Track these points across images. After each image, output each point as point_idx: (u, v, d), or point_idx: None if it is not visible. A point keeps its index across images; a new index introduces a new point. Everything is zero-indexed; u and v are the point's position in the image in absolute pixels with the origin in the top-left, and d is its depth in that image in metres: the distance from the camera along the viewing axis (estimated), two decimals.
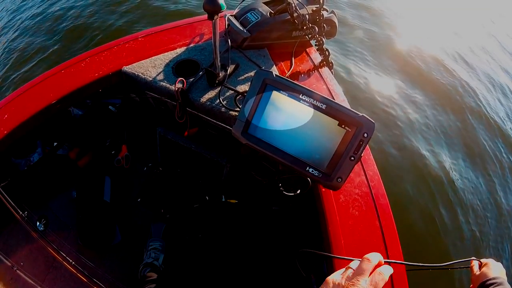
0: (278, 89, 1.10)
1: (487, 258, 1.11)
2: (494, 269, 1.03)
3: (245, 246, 1.79)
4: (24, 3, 5.22)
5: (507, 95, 4.58)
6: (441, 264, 1.16)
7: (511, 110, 4.36)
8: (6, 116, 1.60)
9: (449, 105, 4.06)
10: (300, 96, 1.06)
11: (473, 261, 1.13)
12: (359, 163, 1.52)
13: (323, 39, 1.88)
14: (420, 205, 2.98)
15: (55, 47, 4.22)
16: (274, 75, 1.09)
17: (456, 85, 4.38)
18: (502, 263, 1.10)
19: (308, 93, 1.06)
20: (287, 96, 1.08)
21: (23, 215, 1.45)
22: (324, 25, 1.92)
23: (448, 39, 5.40)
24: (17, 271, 1.47)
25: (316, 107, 1.06)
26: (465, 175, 3.37)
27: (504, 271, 1.05)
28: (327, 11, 2.00)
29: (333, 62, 1.94)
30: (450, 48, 5.14)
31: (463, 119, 3.94)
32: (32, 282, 1.48)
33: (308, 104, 1.06)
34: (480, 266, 1.09)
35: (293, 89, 1.07)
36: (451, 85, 4.35)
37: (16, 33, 4.59)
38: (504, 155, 3.69)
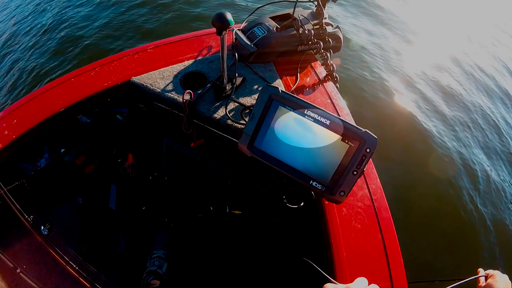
0: (283, 105, 1.13)
1: (493, 270, 1.11)
2: (500, 281, 1.03)
3: (248, 257, 1.80)
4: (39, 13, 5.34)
5: None
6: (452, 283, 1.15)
7: None
8: (15, 121, 1.64)
9: (452, 117, 4.09)
10: (305, 112, 1.10)
11: (480, 272, 1.13)
12: (362, 176, 1.54)
13: (328, 54, 1.92)
14: (424, 217, 2.99)
15: (67, 55, 4.30)
16: (280, 91, 1.13)
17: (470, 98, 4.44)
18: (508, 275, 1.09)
19: (313, 109, 1.09)
20: (292, 111, 1.12)
21: (29, 219, 1.47)
22: (330, 39, 1.96)
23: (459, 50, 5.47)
24: (20, 273, 1.49)
25: (320, 123, 1.09)
26: (471, 184, 3.38)
27: (510, 283, 1.04)
28: (332, 26, 2.04)
29: (338, 77, 1.97)
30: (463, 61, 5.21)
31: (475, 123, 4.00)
32: (35, 285, 1.50)
33: (312, 120, 1.09)
34: (486, 278, 1.09)
35: (298, 105, 1.11)
36: (466, 101, 4.41)
37: (28, 41, 4.69)
38: None
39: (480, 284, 1.08)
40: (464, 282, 1.09)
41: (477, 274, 1.12)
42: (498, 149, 3.89)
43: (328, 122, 1.08)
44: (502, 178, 3.58)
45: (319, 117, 1.09)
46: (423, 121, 3.90)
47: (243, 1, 5.17)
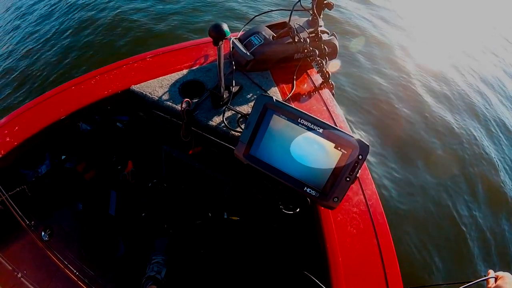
0: (278, 114, 1.17)
1: (503, 272, 1.10)
2: (510, 283, 1.03)
3: (245, 262, 1.82)
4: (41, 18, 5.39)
5: None
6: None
7: None
8: (16, 128, 1.67)
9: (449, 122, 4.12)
10: (299, 120, 1.13)
11: (490, 273, 1.12)
12: (358, 182, 1.56)
13: (323, 61, 1.95)
14: (421, 221, 3.01)
15: (69, 63, 4.35)
16: (275, 100, 1.16)
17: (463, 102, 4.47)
18: None
19: (306, 118, 1.13)
20: (286, 120, 1.15)
21: (30, 224, 1.49)
22: (325, 47, 1.99)
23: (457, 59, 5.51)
24: (21, 278, 1.50)
25: (313, 131, 1.12)
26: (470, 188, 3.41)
27: None
28: (327, 33, 2.08)
29: (334, 84, 2.00)
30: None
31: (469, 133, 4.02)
32: None
33: (306, 128, 1.13)
34: (496, 279, 1.08)
35: (292, 114, 1.14)
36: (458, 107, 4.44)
37: (30, 48, 4.73)
38: None
39: (489, 286, 1.08)
40: (473, 283, 1.10)
41: (487, 275, 1.11)
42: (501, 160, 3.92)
43: (321, 130, 1.12)
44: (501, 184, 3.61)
45: (313, 125, 1.12)
46: (421, 128, 3.93)
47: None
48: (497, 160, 3.82)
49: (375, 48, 5.14)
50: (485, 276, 1.12)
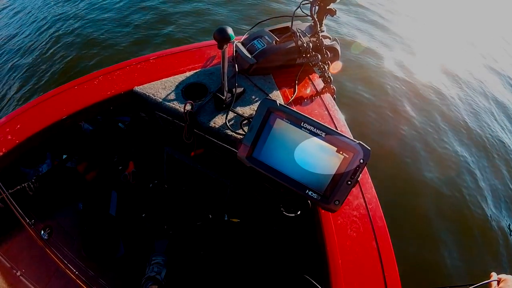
0: (281, 117, 1.18)
1: (506, 274, 1.10)
2: None
3: (245, 264, 1.83)
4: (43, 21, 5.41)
5: None
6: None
7: None
8: (18, 126, 1.67)
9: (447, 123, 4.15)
10: (302, 124, 1.15)
11: (492, 276, 1.12)
12: (358, 186, 1.58)
13: (325, 66, 1.97)
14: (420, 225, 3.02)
15: (72, 62, 4.37)
16: (278, 104, 1.18)
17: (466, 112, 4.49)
18: None
19: (309, 122, 1.14)
20: (289, 123, 1.17)
21: (30, 222, 1.49)
22: (327, 52, 2.01)
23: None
24: (20, 276, 1.49)
25: (316, 135, 1.14)
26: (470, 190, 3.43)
27: None
28: (330, 39, 2.10)
29: (335, 88, 2.02)
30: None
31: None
32: None
33: (308, 132, 1.14)
34: (499, 282, 1.08)
35: (295, 118, 1.16)
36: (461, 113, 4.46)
37: (32, 48, 4.74)
38: None
39: None
40: (476, 286, 1.10)
41: (490, 278, 1.11)
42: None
43: (323, 134, 1.13)
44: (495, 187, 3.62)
45: (315, 129, 1.14)
46: (422, 132, 3.95)
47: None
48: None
49: (372, 56, 5.17)
50: (488, 279, 1.12)
